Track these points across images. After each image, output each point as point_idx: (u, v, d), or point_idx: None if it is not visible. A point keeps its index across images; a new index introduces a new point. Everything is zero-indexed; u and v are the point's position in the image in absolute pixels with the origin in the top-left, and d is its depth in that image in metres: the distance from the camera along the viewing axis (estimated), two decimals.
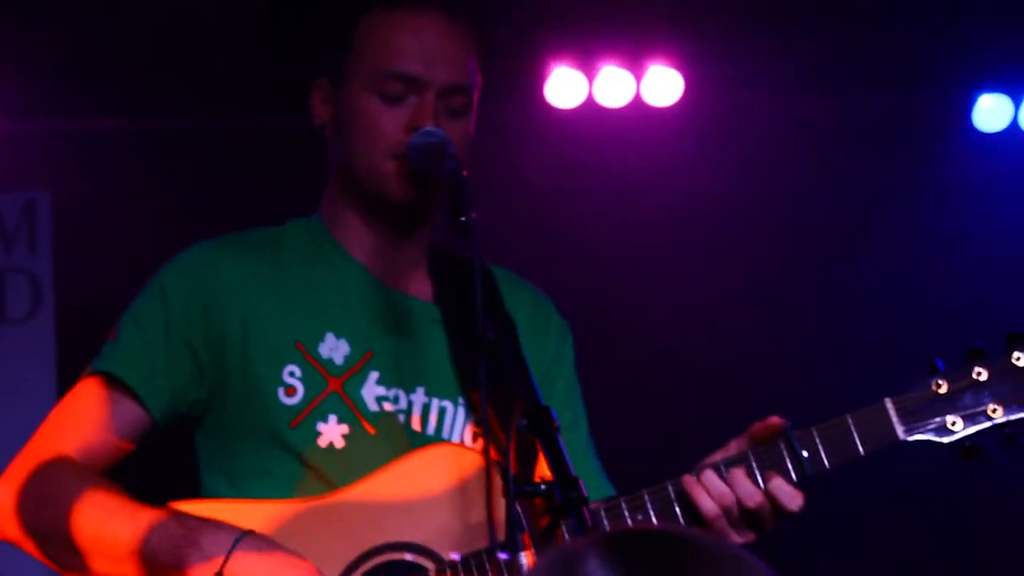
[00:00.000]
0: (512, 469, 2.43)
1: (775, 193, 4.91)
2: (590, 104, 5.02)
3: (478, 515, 2.70)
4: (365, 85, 2.85)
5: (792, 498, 2.69)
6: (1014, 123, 4.91)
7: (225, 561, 2.62)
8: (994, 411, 2.73)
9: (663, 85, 4.95)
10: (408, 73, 2.82)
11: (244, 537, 2.65)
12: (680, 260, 4.87)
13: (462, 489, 2.74)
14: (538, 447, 2.49)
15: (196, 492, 2.91)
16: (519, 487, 2.41)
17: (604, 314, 4.68)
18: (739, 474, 2.68)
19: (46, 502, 2.77)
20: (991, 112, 4.87)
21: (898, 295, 4.81)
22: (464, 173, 2.65)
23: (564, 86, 4.98)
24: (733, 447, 2.75)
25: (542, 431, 2.47)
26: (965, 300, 4.66)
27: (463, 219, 2.57)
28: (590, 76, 5.00)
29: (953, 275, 4.82)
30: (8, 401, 4.18)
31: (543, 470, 2.60)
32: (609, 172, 4.97)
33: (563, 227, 4.84)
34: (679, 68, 4.95)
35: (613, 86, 4.97)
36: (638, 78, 4.98)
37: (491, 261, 2.84)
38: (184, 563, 2.65)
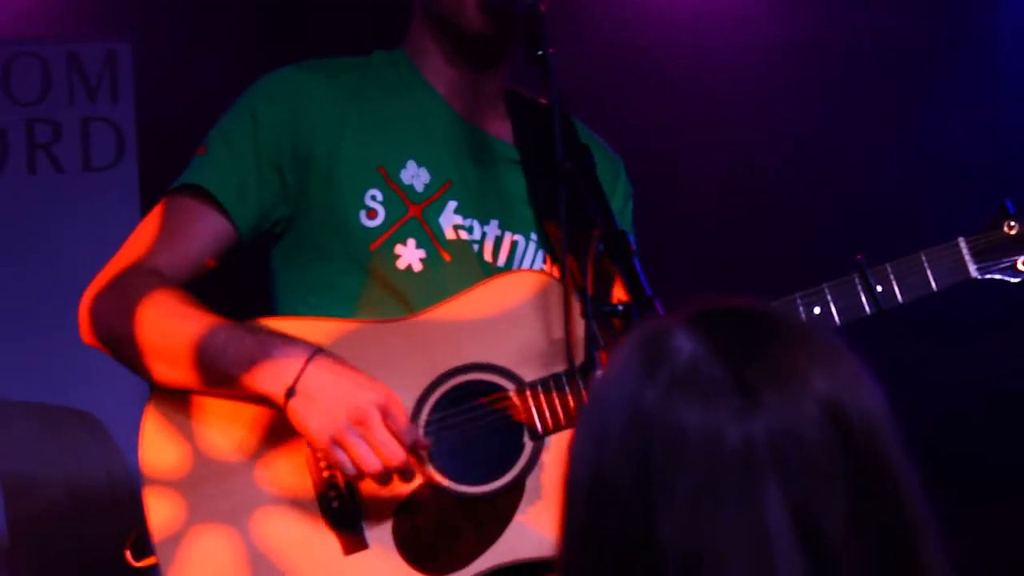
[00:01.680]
0: (590, 291, 2.46)
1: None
2: None
3: (556, 337, 2.73)
4: None
5: None
6: None
7: (298, 377, 2.63)
8: None
9: None
10: None
11: (317, 354, 2.66)
12: (744, 106, 4.84)
13: (541, 312, 2.76)
14: (615, 271, 2.51)
15: (267, 310, 2.91)
16: (597, 307, 2.44)
17: (672, 161, 4.69)
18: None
19: (122, 307, 2.78)
20: None
21: (964, 139, 4.78)
22: (542, 8, 2.64)
23: None
24: None
25: (619, 254, 2.49)
26: None
27: (540, 53, 2.57)
28: None
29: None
30: (93, 247, 4.24)
31: (620, 296, 2.66)
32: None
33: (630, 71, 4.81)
34: None
35: None
36: None
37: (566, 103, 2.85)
38: (256, 376, 2.66)
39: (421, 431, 2.69)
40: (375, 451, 2.62)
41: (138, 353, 2.77)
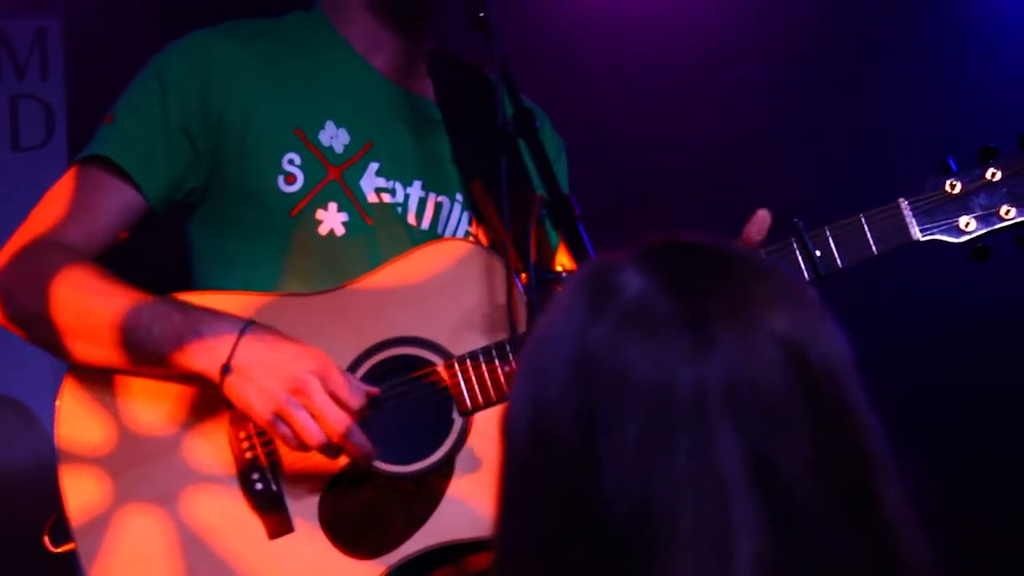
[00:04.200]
0: (533, 257, 2.33)
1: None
2: None
3: (484, 307, 2.62)
4: None
5: None
6: None
7: (232, 352, 2.52)
8: (1007, 212, 2.64)
9: None
10: None
11: (249, 327, 2.54)
12: (687, 68, 4.77)
13: (469, 282, 2.65)
14: (559, 235, 2.39)
15: (187, 283, 2.79)
16: (540, 273, 2.33)
17: (603, 131, 4.61)
18: None
19: (34, 285, 2.65)
20: None
21: (908, 98, 4.72)
22: None
23: None
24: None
25: (564, 219, 2.37)
26: (975, 105, 4.56)
27: (481, 15, 2.44)
28: None
29: (963, 82, 4.73)
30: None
31: (560, 262, 2.58)
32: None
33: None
34: None
35: None
36: None
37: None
38: (188, 354, 2.54)
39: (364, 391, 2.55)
40: (318, 420, 2.50)
41: (56, 333, 2.63)
